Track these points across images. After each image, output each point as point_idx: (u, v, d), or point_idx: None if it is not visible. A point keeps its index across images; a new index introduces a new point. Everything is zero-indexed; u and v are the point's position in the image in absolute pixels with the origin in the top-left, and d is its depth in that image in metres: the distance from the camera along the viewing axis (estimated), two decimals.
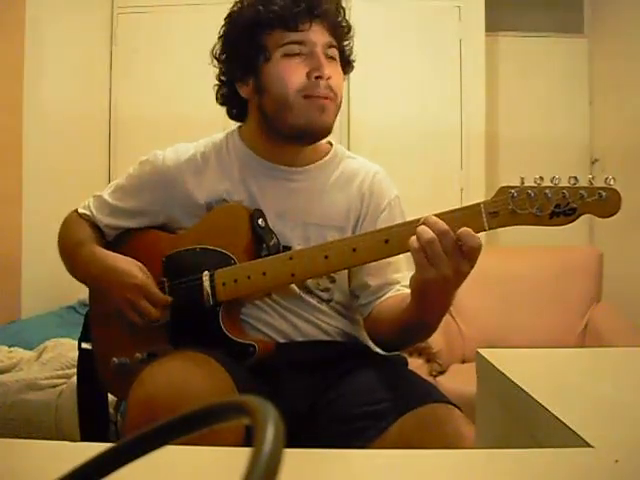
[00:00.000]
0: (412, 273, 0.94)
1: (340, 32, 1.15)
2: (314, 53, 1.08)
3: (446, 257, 0.87)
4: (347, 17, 1.18)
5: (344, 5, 1.17)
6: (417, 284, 0.93)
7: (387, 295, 1.11)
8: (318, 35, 1.09)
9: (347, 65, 1.19)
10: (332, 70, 1.10)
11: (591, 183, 0.90)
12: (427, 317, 1.00)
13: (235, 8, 1.15)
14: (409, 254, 0.92)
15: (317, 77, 1.07)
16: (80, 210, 1.27)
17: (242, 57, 1.13)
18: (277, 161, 1.16)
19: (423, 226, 0.88)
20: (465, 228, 0.88)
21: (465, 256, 0.87)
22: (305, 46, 1.08)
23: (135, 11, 3.41)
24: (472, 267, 0.90)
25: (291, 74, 1.08)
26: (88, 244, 1.20)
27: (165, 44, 3.36)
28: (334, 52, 1.12)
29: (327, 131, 1.13)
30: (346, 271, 1.15)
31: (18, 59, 2.70)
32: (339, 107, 1.14)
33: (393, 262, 1.11)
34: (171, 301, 1.13)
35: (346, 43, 1.18)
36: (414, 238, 0.88)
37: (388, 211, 1.16)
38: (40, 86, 2.82)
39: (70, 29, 3.08)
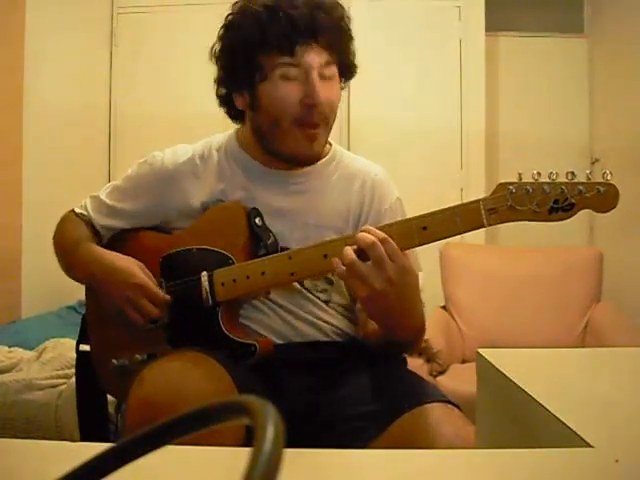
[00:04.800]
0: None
1: (340, 48, 1.12)
2: (309, 78, 1.06)
3: (374, 269, 0.91)
4: (348, 25, 1.14)
5: (345, 6, 1.16)
6: (361, 305, 0.96)
7: None
8: (314, 56, 1.07)
9: (348, 71, 1.17)
10: (327, 91, 1.09)
11: (589, 179, 0.91)
12: (387, 331, 1.03)
13: (234, 18, 1.12)
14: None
15: (311, 105, 1.07)
16: (77, 210, 1.27)
17: (239, 72, 1.12)
18: (274, 166, 1.16)
19: (362, 233, 0.94)
20: (361, 233, 0.94)
21: (388, 259, 0.91)
22: (301, 69, 1.06)
23: (135, 11, 3.41)
24: (401, 268, 0.92)
25: (286, 99, 1.07)
26: (86, 243, 1.20)
27: (165, 44, 3.36)
28: (332, 70, 1.10)
29: (315, 159, 1.16)
30: None
31: (18, 59, 2.70)
32: (332, 125, 1.14)
33: None
34: (171, 300, 1.13)
35: (348, 55, 1.15)
36: (338, 263, 0.93)
37: (390, 215, 1.15)
38: (40, 86, 2.82)
39: (70, 29, 3.08)
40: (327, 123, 1.11)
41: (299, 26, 1.05)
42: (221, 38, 1.14)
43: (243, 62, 1.10)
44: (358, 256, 0.92)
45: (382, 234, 0.93)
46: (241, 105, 1.15)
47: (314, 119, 1.08)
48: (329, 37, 1.08)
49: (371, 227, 0.95)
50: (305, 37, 1.05)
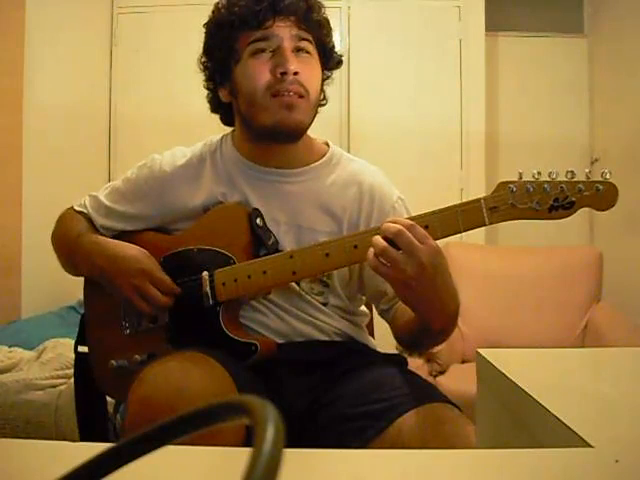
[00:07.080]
0: None
1: (312, 25, 1.11)
2: (280, 49, 1.07)
3: (406, 256, 0.89)
4: (323, 13, 1.14)
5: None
6: (395, 292, 0.96)
7: None
8: (283, 30, 1.07)
9: (330, 60, 1.17)
10: (302, 65, 1.08)
11: (588, 177, 0.92)
12: (424, 318, 1.01)
13: (209, 16, 1.15)
14: None
15: (282, 73, 1.06)
16: (76, 208, 1.27)
17: (218, 62, 1.13)
18: (268, 164, 1.15)
19: (387, 223, 0.92)
20: (386, 224, 0.92)
21: (417, 242, 0.89)
22: (271, 42, 1.07)
23: (135, 11, 3.42)
24: (432, 251, 0.91)
25: (257, 72, 1.07)
26: (88, 234, 1.20)
27: (165, 44, 3.36)
28: (306, 45, 1.10)
29: (300, 129, 1.11)
30: (340, 276, 1.14)
31: (18, 59, 2.70)
32: (315, 104, 1.12)
33: None
34: (178, 290, 1.12)
35: (324, 37, 1.15)
36: (370, 254, 0.91)
37: (393, 214, 1.14)
38: (40, 86, 2.82)
39: (70, 29, 3.08)
40: (306, 94, 1.08)
41: (264, 0, 1.06)
42: (204, 36, 1.16)
43: (219, 49, 1.11)
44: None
45: (408, 221, 0.92)
46: (226, 98, 1.16)
47: (287, 86, 1.06)
48: (299, 12, 1.09)
49: (396, 217, 0.95)
50: (270, 11, 1.06)
